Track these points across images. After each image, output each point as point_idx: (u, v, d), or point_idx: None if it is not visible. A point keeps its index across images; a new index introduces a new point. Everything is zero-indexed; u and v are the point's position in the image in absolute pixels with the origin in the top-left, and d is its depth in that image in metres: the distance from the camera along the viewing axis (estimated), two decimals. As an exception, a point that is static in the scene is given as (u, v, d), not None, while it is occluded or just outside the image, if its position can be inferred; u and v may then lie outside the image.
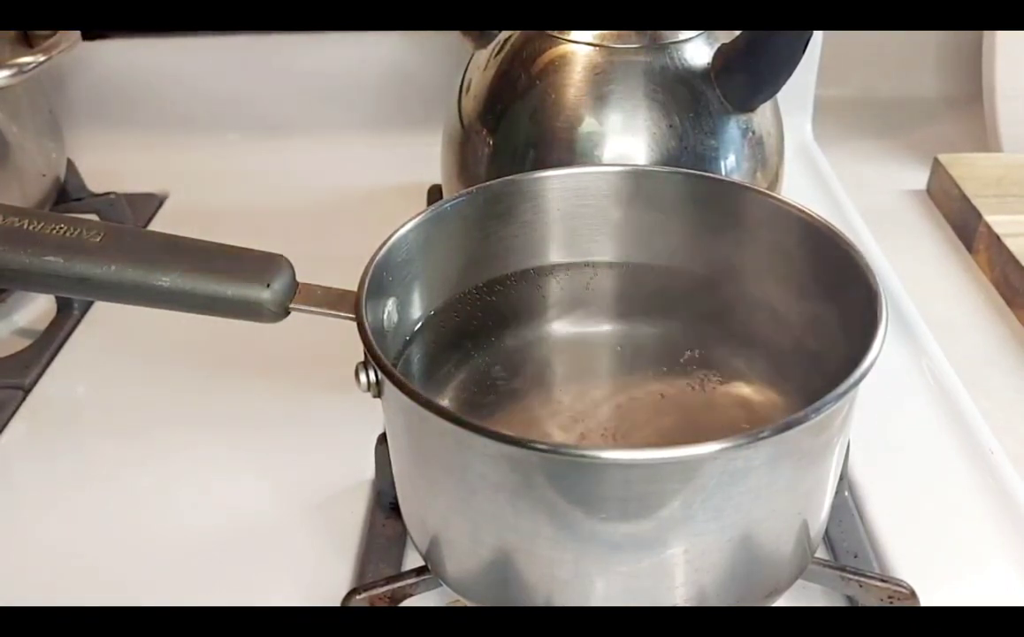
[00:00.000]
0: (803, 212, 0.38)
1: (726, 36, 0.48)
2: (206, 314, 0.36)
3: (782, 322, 0.32)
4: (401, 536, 0.43)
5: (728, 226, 0.39)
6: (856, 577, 0.38)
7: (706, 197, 0.40)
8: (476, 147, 0.50)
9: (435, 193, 0.66)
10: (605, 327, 0.34)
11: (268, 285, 0.35)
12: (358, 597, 0.38)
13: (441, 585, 0.37)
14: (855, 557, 0.42)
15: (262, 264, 0.36)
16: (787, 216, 0.39)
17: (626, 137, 0.46)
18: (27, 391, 0.53)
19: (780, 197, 0.40)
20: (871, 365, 0.31)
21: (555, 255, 0.38)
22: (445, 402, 0.36)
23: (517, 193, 0.41)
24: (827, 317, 0.33)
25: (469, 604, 0.36)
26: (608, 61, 0.47)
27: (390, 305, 0.37)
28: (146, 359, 0.55)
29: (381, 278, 0.35)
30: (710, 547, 0.31)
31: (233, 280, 0.35)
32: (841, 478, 0.43)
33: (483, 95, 0.50)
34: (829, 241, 0.37)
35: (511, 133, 0.49)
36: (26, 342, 0.56)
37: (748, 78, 0.46)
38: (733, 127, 0.48)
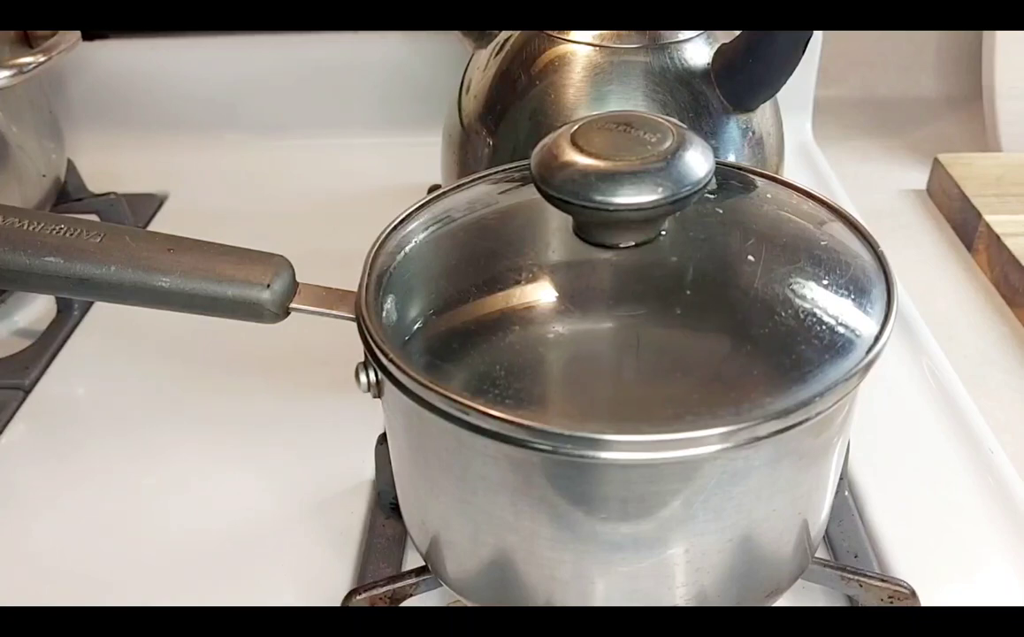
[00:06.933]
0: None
1: (726, 36, 0.48)
2: (206, 315, 0.36)
3: (788, 316, 0.32)
4: (401, 536, 0.43)
5: (734, 212, 0.38)
6: (856, 577, 0.39)
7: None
8: (476, 147, 0.50)
9: (435, 193, 0.66)
10: (608, 324, 0.33)
11: (268, 285, 0.35)
12: (358, 597, 0.38)
13: (441, 585, 0.37)
14: (855, 557, 0.42)
15: (262, 264, 0.36)
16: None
17: (626, 137, 0.46)
18: (27, 391, 0.53)
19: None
20: (872, 362, 0.31)
21: (557, 250, 0.38)
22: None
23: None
24: (834, 312, 0.32)
25: (469, 604, 0.36)
26: (608, 61, 0.47)
27: (389, 304, 0.37)
28: (146, 359, 0.55)
29: (381, 278, 0.35)
30: (710, 547, 0.31)
31: (233, 280, 0.35)
32: (841, 478, 0.43)
33: (483, 95, 0.50)
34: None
35: (511, 133, 0.49)
36: (26, 342, 0.56)
37: (748, 78, 0.46)
38: (733, 127, 0.47)
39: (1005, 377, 0.54)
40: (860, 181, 0.74)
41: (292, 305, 0.36)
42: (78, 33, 0.60)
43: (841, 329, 0.32)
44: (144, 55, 0.77)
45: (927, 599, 0.39)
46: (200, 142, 0.78)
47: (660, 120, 0.34)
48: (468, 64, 0.53)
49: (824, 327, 0.32)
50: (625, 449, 0.28)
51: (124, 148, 0.77)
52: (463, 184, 0.41)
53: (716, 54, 0.47)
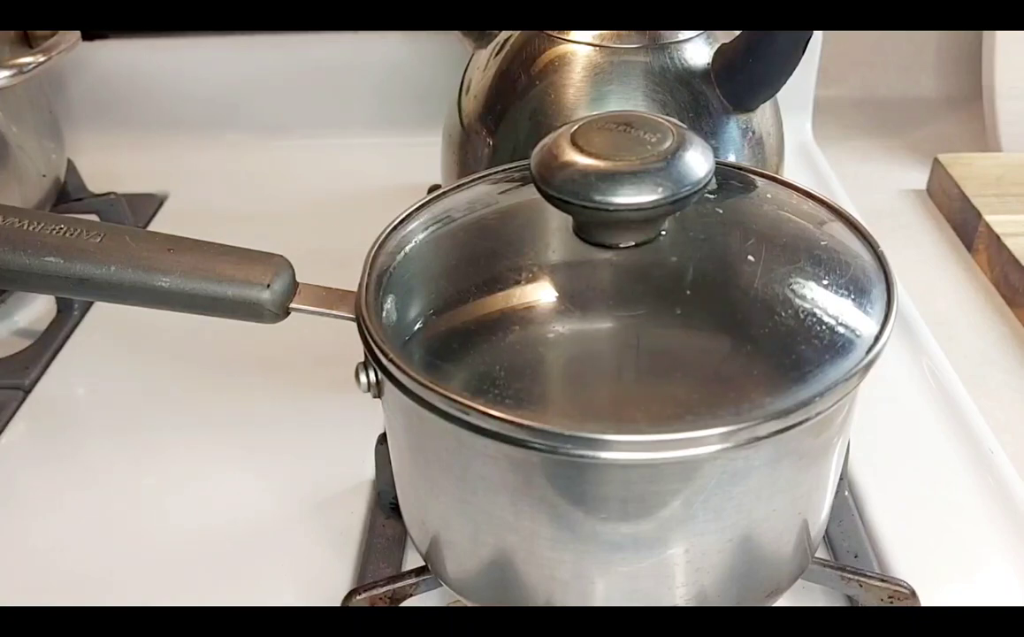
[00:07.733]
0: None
1: (726, 36, 0.48)
2: (206, 315, 0.36)
3: (788, 316, 0.32)
4: (401, 536, 0.43)
5: (734, 212, 0.38)
6: (856, 577, 0.39)
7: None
8: (476, 147, 0.50)
9: (435, 193, 0.66)
10: (608, 324, 0.33)
11: (268, 285, 0.35)
12: (358, 597, 0.38)
13: (441, 585, 0.37)
14: (855, 557, 0.42)
15: (262, 264, 0.36)
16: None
17: (626, 137, 0.46)
18: (27, 391, 0.53)
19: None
20: (872, 362, 0.31)
21: (557, 250, 0.38)
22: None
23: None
24: (834, 312, 0.33)
25: (469, 604, 0.36)
26: (608, 61, 0.47)
27: (389, 304, 0.37)
28: (146, 359, 0.55)
29: (381, 278, 0.35)
30: (710, 547, 0.31)
31: (233, 280, 0.35)
32: (841, 478, 0.43)
33: (483, 95, 0.50)
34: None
35: (511, 133, 0.49)
36: (26, 342, 0.56)
37: (748, 78, 0.46)
38: (733, 127, 0.47)
39: (1005, 377, 0.54)
40: (860, 181, 0.74)
41: (292, 305, 0.36)
42: (78, 33, 0.60)
43: (841, 329, 0.32)
44: (144, 55, 0.77)
45: (927, 599, 0.39)
46: (200, 142, 0.78)
47: (660, 120, 0.34)
48: (468, 64, 0.53)
49: (824, 327, 0.32)
50: (625, 449, 0.28)
51: (124, 148, 0.77)
52: (463, 184, 0.41)
53: (716, 54, 0.47)
